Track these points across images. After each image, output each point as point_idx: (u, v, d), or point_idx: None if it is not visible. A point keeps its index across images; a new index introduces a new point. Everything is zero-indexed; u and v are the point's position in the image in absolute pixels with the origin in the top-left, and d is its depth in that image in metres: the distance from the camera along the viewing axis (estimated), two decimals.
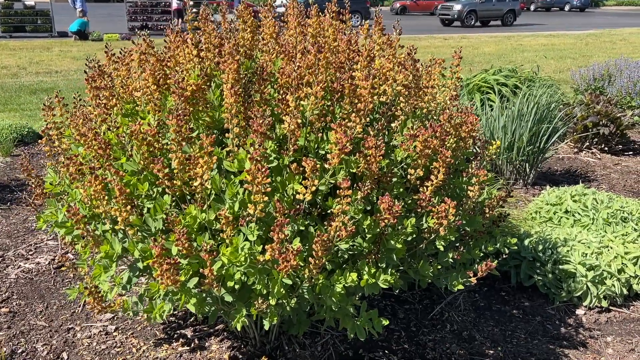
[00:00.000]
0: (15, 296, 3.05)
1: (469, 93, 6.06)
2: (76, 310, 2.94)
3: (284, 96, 1.94)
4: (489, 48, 17.33)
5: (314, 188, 1.80)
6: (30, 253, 3.56)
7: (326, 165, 1.90)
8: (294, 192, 1.87)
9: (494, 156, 2.55)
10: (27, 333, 2.74)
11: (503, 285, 3.25)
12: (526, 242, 3.23)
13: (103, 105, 2.11)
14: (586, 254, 3.09)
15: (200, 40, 2.28)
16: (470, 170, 2.27)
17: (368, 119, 1.98)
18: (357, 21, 26.94)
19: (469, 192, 2.16)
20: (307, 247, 1.92)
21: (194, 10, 2.28)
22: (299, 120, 1.89)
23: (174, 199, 1.98)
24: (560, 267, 3.05)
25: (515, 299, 3.15)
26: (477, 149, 2.57)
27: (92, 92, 2.15)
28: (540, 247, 3.16)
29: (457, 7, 27.50)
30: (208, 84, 2.19)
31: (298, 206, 1.87)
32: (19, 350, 2.60)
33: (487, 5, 27.76)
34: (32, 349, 2.62)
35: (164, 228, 1.94)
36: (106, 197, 1.86)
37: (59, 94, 2.32)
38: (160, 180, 1.88)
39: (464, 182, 2.29)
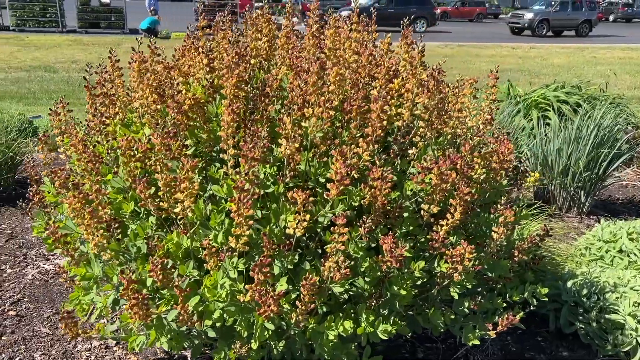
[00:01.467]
0: (26, 299, 3.01)
1: (525, 109, 5.65)
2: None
3: (283, 116, 1.74)
4: (558, 59, 16.48)
5: (305, 224, 1.60)
6: (51, 253, 3.53)
7: (326, 196, 1.69)
8: (285, 225, 1.67)
9: (532, 187, 2.26)
10: (29, 340, 2.67)
11: (540, 330, 2.92)
12: (569, 283, 2.88)
13: (99, 114, 1.99)
14: (639, 304, 2.71)
15: (211, 48, 2.13)
16: (498, 207, 1.99)
17: (377, 146, 1.75)
18: (423, 27, 26.34)
19: (493, 233, 1.88)
20: (298, 286, 1.71)
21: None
22: (297, 144, 1.69)
23: (159, 221, 1.83)
24: (607, 316, 2.69)
25: (553, 347, 2.81)
26: (524, 166, 2.29)
27: (91, 99, 2.04)
28: (585, 291, 2.81)
29: (529, 15, 26.42)
30: (214, 95, 2.02)
31: (288, 241, 1.67)
32: (17, 359, 2.54)
33: (560, 15, 26.46)
34: (29, 358, 2.55)
35: (146, 252, 1.79)
36: (87, 216, 1.73)
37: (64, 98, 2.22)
38: (143, 201, 1.73)
39: (491, 219, 2.01)
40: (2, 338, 2.67)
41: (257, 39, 2.13)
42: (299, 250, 1.86)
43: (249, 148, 1.59)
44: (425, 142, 1.92)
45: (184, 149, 1.83)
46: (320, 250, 1.89)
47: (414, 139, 1.91)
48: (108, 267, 1.78)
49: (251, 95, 1.95)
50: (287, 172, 1.74)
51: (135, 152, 1.80)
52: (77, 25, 21.66)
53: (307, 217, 1.58)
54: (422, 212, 1.83)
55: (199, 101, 1.87)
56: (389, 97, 1.87)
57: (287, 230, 1.62)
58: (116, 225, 1.87)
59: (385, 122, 1.72)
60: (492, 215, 2.02)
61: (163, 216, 1.81)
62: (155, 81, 2.01)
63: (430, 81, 1.85)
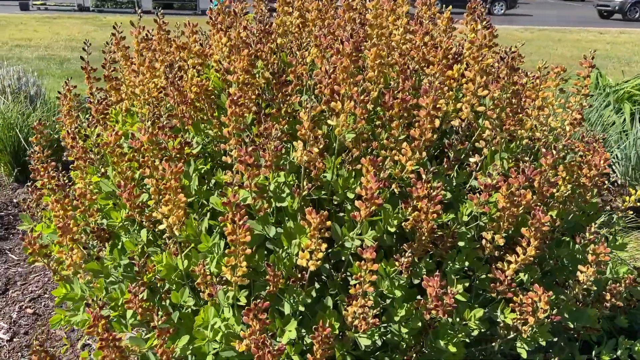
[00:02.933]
0: (47, 295, 2.82)
1: (617, 102, 4.93)
2: None
3: (300, 111, 1.35)
4: None
5: (320, 254, 1.21)
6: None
7: (353, 217, 1.29)
8: (297, 254, 1.29)
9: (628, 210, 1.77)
10: (42, 343, 2.46)
11: None
12: None
13: (97, 101, 1.68)
14: None
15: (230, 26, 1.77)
16: (587, 235, 1.51)
17: (426, 153, 1.33)
18: (501, 9, 24.85)
19: (578, 274, 1.42)
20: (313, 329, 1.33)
21: None
22: (317, 149, 1.30)
23: (153, 236, 1.50)
24: None
25: None
26: (612, 189, 1.80)
27: (89, 83, 1.73)
28: None
29: None
30: (228, 83, 1.66)
31: (300, 274, 1.29)
32: None
33: None
34: None
35: (134, 275, 1.46)
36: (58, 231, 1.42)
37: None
38: (130, 211, 1.40)
39: (576, 251, 1.55)
40: (14, 340, 2.48)
41: (286, 13, 1.74)
42: (322, 278, 1.48)
43: (247, 152, 1.21)
44: (493, 148, 1.48)
45: (186, 148, 1.49)
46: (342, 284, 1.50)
47: (477, 143, 1.47)
48: (92, 288, 1.48)
49: (273, 82, 1.57)
50: (304, 183, 1.35)
51: (126, 149, 1.48)
52: (152, 7, 22.07)
53: (324, 246, 1.20)
54: (483, 242, 1.39)
55: (206, 88, 1.51)
56: (445, 88, 1.44)
57: (299, 262, 1.24)
58: (106, 236, 1.56)
59: (438, 123, 1.29)
60: (577, 246, 1.55)
61: (157, 230, 1.48)
62: (164, 63, 1.68)
63: (501, 68, 1.40)
